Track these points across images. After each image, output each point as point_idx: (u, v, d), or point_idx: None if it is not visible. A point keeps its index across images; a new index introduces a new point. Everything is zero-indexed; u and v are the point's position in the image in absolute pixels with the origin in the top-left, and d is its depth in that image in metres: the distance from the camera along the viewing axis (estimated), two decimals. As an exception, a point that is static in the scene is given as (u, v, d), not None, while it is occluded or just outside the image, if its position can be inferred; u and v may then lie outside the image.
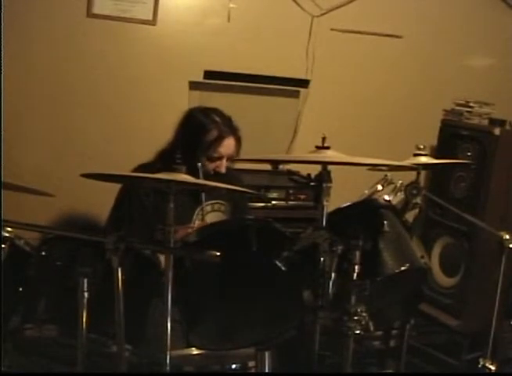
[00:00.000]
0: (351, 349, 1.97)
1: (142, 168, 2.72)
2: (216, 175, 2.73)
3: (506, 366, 3.08)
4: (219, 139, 2.73)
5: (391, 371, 3.30)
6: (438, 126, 3.86)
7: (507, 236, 2.29)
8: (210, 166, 2.74)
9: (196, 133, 2.74)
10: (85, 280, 1.88)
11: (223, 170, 2.75)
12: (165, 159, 2.69)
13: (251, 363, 2.26)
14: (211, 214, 2.82)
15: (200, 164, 2.64)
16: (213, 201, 2.82)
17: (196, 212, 2.78)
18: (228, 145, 2.75)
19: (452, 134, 3.79)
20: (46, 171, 3.29)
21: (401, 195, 2.26)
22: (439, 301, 3.69)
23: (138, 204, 2.68)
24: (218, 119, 2.77)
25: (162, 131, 2.84)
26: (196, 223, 2.77)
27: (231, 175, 2.86)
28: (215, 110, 2.82)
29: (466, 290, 3.58)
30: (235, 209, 2.89)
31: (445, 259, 3.74)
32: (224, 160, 2.75)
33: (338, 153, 2.01)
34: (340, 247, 1.87)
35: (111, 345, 2.07)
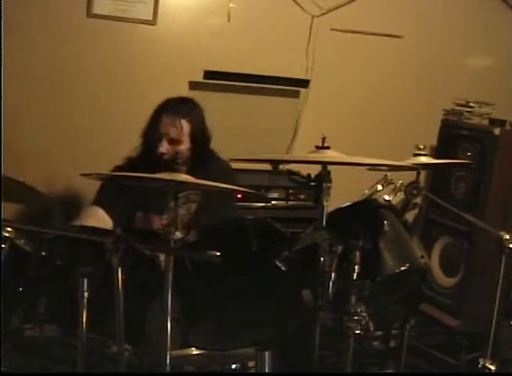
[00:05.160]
0: (351, 349, 1.97)
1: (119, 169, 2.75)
2: (161, 158, 2.69)
3: (506, 367, 3.07)
4: (160, 115, 2.72)
5: (391, 371, 3.30)
6: (438, 126, 3.86)
7: (507, 236, 2.29)
8: (157, 147, 2.70)
9: (153, 115, 2.76)
10: (85, 280, 1.88)
11: (161, 150, 2.69)
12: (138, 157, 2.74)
13: (251, 363, 2.26)
14: (185, 206, 2.78)
15: None
16: (185, 192, 2.78)
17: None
18: (170, 124, 2.71)
19: (452, 134, 3.79)
20: (46, 171, 3.29)
21: (401, 195, 2.26)
22: (439, 301, 3.69)
23: (117, 190, 2.67)
24: (169, 101, 2.77)
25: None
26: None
27: (222, 172, 2.83)
28: (174, 97, 2.80)
29: (466, 290, 3.58)
30: (211, 200, 2.79)
31: (445, 259, 3.74)
32: (164, 141, 2.70)
33: (338, 153, 2.01)
34: (340, 247, 1.87)
35: (111, 345, 2.07)
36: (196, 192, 2.78)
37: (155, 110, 2.77)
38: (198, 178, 2.02)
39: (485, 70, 4.29)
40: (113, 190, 2.67)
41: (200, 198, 2.81)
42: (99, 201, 2.76)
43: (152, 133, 2.75)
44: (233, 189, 2.37)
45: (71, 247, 2.04)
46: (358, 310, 1.93)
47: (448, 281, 3.71)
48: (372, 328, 1.93)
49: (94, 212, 2.68)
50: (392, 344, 3.54)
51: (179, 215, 2.66)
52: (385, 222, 2.09)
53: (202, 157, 2.79)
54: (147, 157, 2.72)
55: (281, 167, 3.02)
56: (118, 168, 2.77)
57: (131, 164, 2.79)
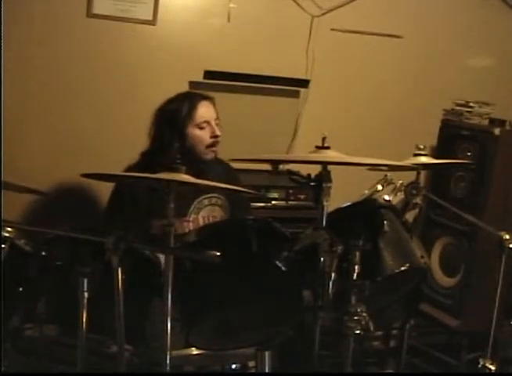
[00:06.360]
0: (351, 349, 1.97)
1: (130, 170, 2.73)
2: (214, 145, 2.77)
3: (506, 367, 3.07)
4: (194, 104, 2.77)
5: (391, 371, 3.30)
6: (438, 126, 3.86)
7: (507, 236, 2.29)
8: (205, 135, 2.76)
9: (172, 117, 2.76)
10: (85, 280, 1.88)
11: (219, 132, 2.78)
12: (150, 157, 2.74)
13: (251, 363, 2.27)
14: (208, 207, 2.82)
15: None
16: (210, 195, 2.81)
17: (193, 205, 2.77)
18: (206, 108, 2.80)
19: (452, 134, 3.79)
20: (46, 171, 3.29)
21: (401, 195, 2.26)
22: (439, 301, 3.69)
23: (130, 202, 2.68)
24: (180, 96, 2.82)
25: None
26: (192, 217, 2.76)
27: (229, 173, 2.86)
28: (174, 96, 2.85)
29: (466, 290, 3.58)
30: (234, 205, 2.88)
31: (445, 259, 3.74)
32: (213, 124, 2.78)
33: (338, 153, 2.01)
34: (340, 247, 1.87)
35: (111, 345, 2.07)
36: (219, 195, 2.81)
37: (177, 106, 2.78)
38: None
39: (485, 70, 4.28)
40: (127, 198, 2.67)
41: (223, 201, 2.83)
42: (112, 210, 2.76)
43: (189, 123, 2.75)
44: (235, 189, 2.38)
45: (71, 247, 2.04)
46: (358, 310, 1.92)
47: (448, 281, 3.70)
48: (372, 328, 1.93)
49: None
50: (392, 344, 3.54)
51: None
52: (385, 222, 2.09)
53: None
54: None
55: (281, 167, 3.02)
56: (131, 168, 2.75)
57: (144, 161, 2.79)
